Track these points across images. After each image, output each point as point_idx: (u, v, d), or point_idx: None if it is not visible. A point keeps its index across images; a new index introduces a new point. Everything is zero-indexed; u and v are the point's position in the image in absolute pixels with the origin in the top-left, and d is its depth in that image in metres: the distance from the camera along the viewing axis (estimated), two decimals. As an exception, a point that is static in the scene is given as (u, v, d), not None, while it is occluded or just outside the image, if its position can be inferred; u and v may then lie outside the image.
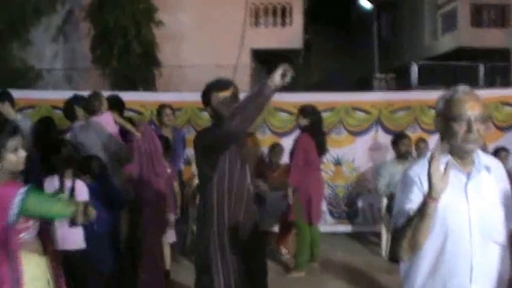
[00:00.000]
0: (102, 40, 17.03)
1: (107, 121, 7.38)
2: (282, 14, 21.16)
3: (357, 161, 10.03)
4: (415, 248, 2.96)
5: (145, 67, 17.23)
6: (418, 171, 3.06)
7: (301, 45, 21.33)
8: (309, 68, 27.89)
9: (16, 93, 9.40)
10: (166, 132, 8.43)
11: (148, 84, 16.94)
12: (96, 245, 5.86)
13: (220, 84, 4.48)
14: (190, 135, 9.40)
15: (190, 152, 8.64)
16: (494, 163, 3.23)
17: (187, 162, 9.35)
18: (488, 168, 3.12)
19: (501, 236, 3.10)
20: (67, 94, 8.54)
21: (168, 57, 18.03)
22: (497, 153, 8.63)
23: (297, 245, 8.25)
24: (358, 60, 29.01)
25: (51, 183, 5.71)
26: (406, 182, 3.10)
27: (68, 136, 7.29)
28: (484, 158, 3.15)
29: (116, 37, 16.71)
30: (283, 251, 8.84)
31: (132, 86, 15.38)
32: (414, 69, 20.69)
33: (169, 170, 7.43)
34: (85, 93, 7.91)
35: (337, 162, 9.99)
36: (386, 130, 9.90)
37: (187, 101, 9.77)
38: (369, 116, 10.02)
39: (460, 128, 3.00)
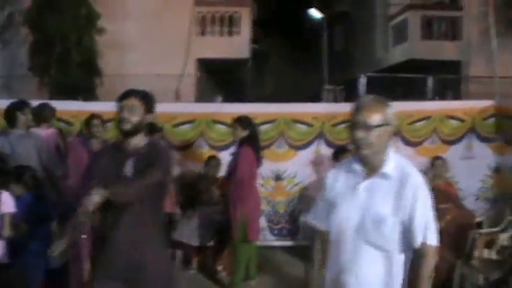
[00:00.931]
0: (41, 47, 16.46)
1: (50, 136, 7.01)
2: (230, 23, 20.85)
3: (298, 176, 9.54)
4: None
5: (86, 76, 16.70)
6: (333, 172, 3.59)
7: (248, 55, 21.02)
8: (259, 79, 27.66)
9: None
10: (96, 144, 7.96)
11: (89, 93, 16.38)
12: (27, 260, 5.68)
13: (120, 94, 4.23)
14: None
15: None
16: (404, 172, 3.37)
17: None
18: (386, 175, 3.36)
19: (392, 236, 3.31)
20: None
21: (111, 66, 17.55)
22: (433, 161, 8.86)
23: (233, 263, 7.88)
24: (309, 71, 28.85)
25: None
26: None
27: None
28: (388, 166, 3.37)
29: (56, 44, 16.15)
30: (219, 267, 8.44)
31: (72, 95, 14.81)
32: (362, 81, 20.45)
33: None
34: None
35: (278, 178, 9.50)
36: (329, 144, 9.50)
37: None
38: (311, 129, 9.60)
39: (353, 135, 3.37)
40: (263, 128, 8.88)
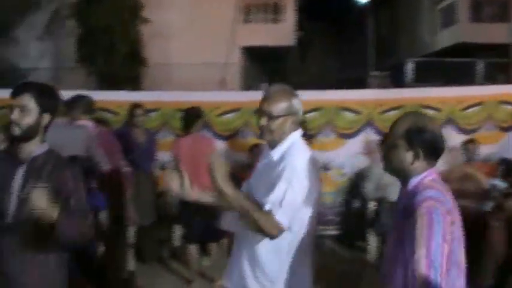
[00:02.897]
0: (87, 39, 16.68)
1: (91, 130, 6.83)
2: (274, 11, 20.70)
3: (346, 166, 9.20)
4: None
5: (131, 66, 16.80)
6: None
7: (293, 43, 20.82)
8: (304, 66, 27.44)
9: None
10: (138, 134, 7.88)
11: (134, 83, 16.50)
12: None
13: (13, 89, 3.52)
14: (167, 138, 8.84)
15: (166, 156, 8.15)
16: (285, 155, 3.46)
17: (163, 168, 8.75)
18: (269, 158, 3.54)
19: None
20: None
21: (156, 56, 17.61)
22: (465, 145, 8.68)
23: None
24: (355, 57, 28.50)
25: None
26: None
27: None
28: (277, 150, 3.51)
29: (101, 36, 16.27)
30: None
31: (118, 85, 14.88)
32: (409, 66, 20.11)
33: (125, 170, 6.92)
34: (71, 93, 7.20)
35: (325, 168, 9.09)
36: (378, 131, 9.08)
37: (165, 101, 9.18)
38: (359, 117, 9.22)
39: (258, 122, 3.53)
40: (309, 116, 8.59)
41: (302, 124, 7.37)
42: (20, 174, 3.41)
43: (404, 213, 2.86)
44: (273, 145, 3.54)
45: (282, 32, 20.37)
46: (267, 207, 3.28)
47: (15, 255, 3.32)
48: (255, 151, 8.59)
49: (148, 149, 7.98)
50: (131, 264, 7.62)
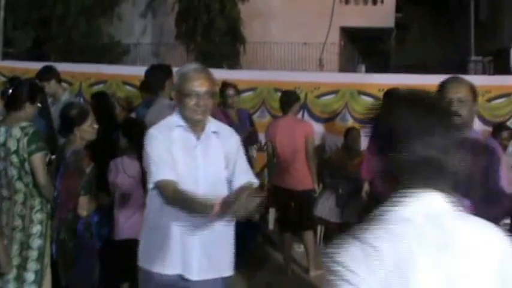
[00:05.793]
0: (187, 16, 16.93)
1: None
2: (374, -8, 20.34)
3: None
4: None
5: (230, 43, 16.91)
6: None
7: (392, 25, 20.43)
8: (403, 49, 26.97)
9: (87, 68, 9.10)
10: (231, 114, 7.67)
11: (232, 60, 16.58)
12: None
13: None
14: (264, 119, 8.68)
15: (261, 137, 7.98)
16: (226, 131, 3.82)
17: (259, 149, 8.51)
18: (217, 134, 3.70)
19: (224, 190, 3.61)
20: (139, 70, 8.08)
21: (254, 34, 17.62)
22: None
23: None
24: (454, 42, 27.74)
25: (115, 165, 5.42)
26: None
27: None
28: (214, 126, 3.72)
29: (200, 13, 16.47)
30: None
31: (216, 63, 14.96)
32: (514, 52, 19.29)
33: None
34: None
35: None
36: (484, 121, 8.30)
37: (263, 80, 9.04)
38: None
39: (190, 102, 3.52)
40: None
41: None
42: None
43: None
44: (203, 120, 3.68)
45: (381, 14, 20.00)
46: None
47: None
48: (351, 134, 8.26)
49: (240, 130, 7.77)
50: None
